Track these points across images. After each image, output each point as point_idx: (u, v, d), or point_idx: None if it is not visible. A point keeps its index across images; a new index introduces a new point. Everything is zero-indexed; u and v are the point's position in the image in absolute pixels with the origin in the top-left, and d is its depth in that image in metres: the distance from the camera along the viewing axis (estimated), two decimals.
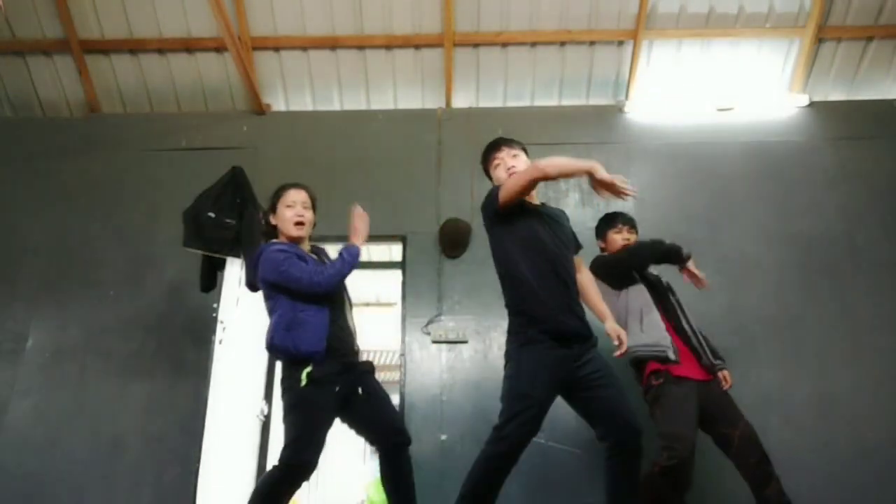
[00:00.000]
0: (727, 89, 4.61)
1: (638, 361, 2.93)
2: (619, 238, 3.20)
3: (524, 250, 2.55)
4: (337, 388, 2.48)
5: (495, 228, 2.65)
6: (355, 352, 2.67)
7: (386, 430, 2.54)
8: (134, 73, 4.72)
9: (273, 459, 4.24)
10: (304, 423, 2.45)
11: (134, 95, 4.78)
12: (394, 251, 4.40)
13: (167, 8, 4.49)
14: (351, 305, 2.78)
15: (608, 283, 3.07)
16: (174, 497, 3.62)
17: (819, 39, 4.50)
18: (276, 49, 4.63)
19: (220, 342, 3.41)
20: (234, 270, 3.50)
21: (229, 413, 3.51)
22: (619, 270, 3.08)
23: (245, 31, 4.49)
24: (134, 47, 4.62)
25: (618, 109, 4.62)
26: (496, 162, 2.77)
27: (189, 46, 4.62)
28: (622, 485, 2.41)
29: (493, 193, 2.64)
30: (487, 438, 2.40)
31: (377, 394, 2.60)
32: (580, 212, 4.30)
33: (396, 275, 4.37)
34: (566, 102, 4.75)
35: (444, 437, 3.75)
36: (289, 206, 2.74)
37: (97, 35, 4.59)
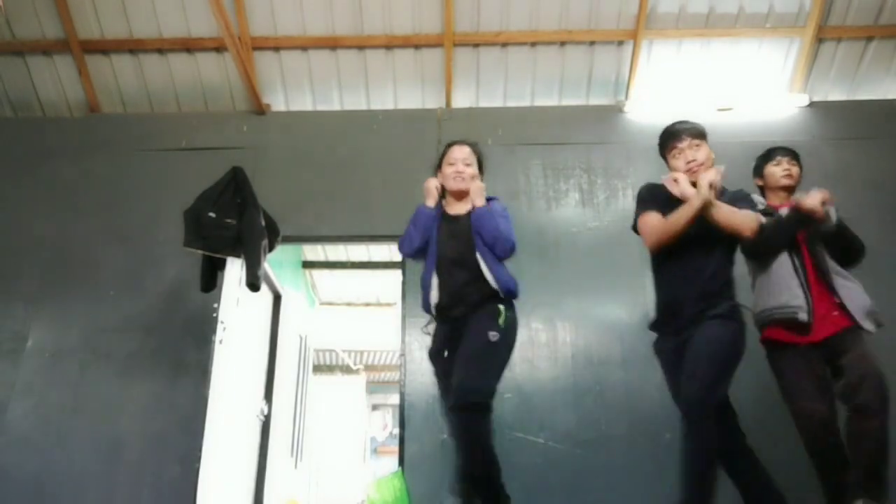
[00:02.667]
0: (727, 89, 4.61)
1: None
2: (779, 170, 2.95)
3: None
4: None
5: None
6: None
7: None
8: (134, 73, 4.72)
9: (273, 459, 4.27)
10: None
11: (134, 95, 4.78)
12: (394, 251, 4.40)
13: (167, 8, 4.49)
14: None
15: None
16: (174, 497, 3.61)
17: (819, 39, 4.50)
18: (276, 49, 4.63)
19: (220, 342, 3.41)
20: (234, 270, 3.50)
21: (229, 413, 3.51)
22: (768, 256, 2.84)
23: (245, 31, 4.49)
24: (134, 47, 4.62)
25: (618, 109, 4.62)
26: (674, 151, 2.68)
27: (189, 46, 4.62)
28: None
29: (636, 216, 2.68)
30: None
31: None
32: (580, 212, 4.30)
33: (396, 275, 4.37)
34: (566, 102, 4.75)
35: (444, 437, 3.75)
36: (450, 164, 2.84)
37: (97, 35, 4.59)
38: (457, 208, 2.82)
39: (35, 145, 4.60)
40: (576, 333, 3.96)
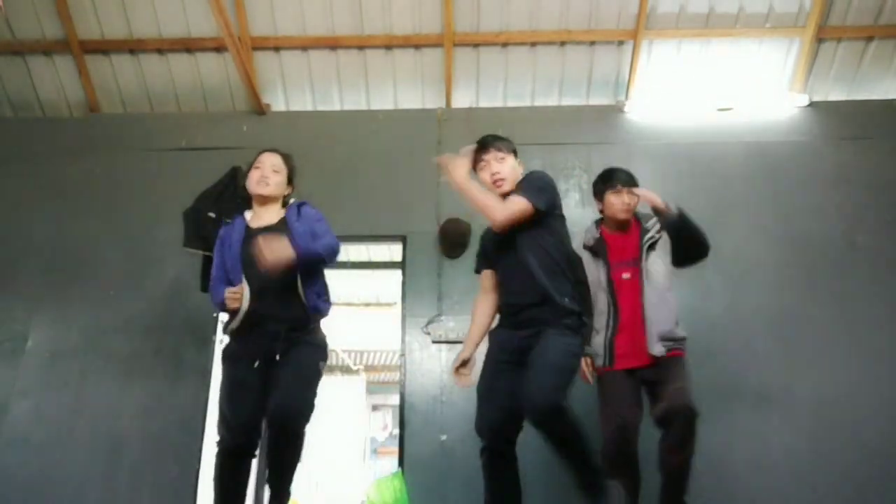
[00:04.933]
0: (727, 89, 4.61)
1: None
2: (619, 203, 2.91)
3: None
4: None
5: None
6: None
7: None
8: (134, 73, 4.72)
9: None
10: None
11: (134, 95, 4.78)
12: (394, 251, 4.41)
13: (167, 8, 4.49)
14: None
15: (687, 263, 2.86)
16: (174, 497, 3.62)
17: (819, 39, 4.50)
18: (276, 49, 4.63)
19: (221, 342, 3.41)
20: None
21: None
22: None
23: (245, 31, 4.49)
24: (134, 47, 4.62)
25: (618, 109, 4.62)
26: (482, 164, 2.62)
27: (189, 46, 4.62)
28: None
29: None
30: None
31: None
32: (580, 212, 4.29)
33: (396, 275, 4.37)
34: (566, 102, 4.75)
35: (444, 437, 3.76)
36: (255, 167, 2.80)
37: (97, 35, 4.59)
38: (263, 218, 2.71)
39: (35, 145, 4.60)
40: None
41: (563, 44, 4.58)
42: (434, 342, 3.99)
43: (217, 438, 2.50)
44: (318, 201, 4.36)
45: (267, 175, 2.72)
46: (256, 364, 2.48)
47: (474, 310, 2.68)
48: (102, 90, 4.75)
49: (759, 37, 4.52)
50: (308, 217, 2.72)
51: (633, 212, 2.95)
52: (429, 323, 4.04)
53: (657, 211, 2.77)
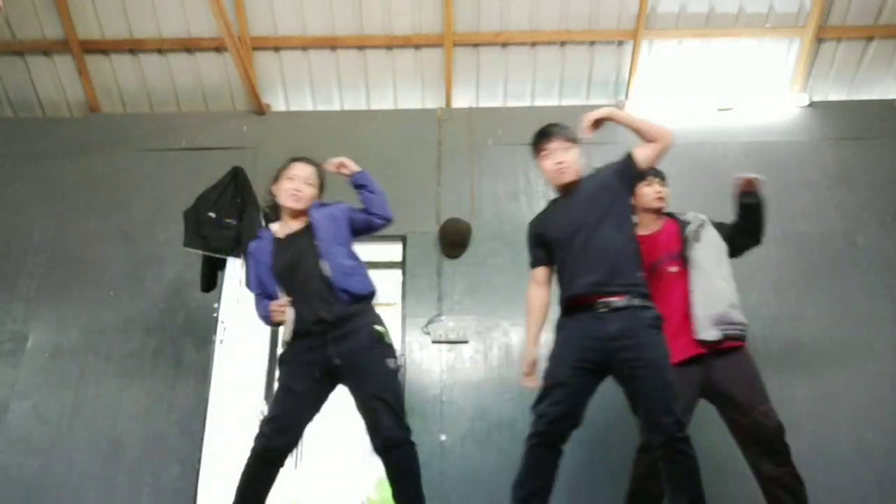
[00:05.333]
0: (727, 89, 4.61)
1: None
2: (651, 192, 2.88)
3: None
4: None
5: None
6: None
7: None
8: (134, 73, 4.72)
9: None
10: None
11: (134, 95, 4.78)
12: (394, 251, 4.40)
13: (167, 8, 4.49)
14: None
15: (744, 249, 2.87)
16: (174, 497, 3.62)
17: (819, 39, 4.50)
18: (276, 49, 4.63)
19: (221, 342, 3.41)
20: (235, 270, 3.50)
21: (229, 413, 3.51)
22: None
23: (245, 31, 4.49)
24: (134, 47, 4.62)
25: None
26: (544, 153, 2.60)
27: (189, 46, 4.62)
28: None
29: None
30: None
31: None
32: None
33: (396, 275, 4.37)
34: (566, 102, 4.75)
35: (443, 437, 3.76)
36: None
37: (97, 35, 4.59)
38: (290, 227, 2.65)
39: (35, 145, 4.60)
40: None
41: (563, 44, 4.58)
42: (434, 342, 3.99)
43: (253, 438, 2.46)
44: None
45: (300, 189, 2.63)
46: (317, 375, 2.44)
47: (531, 305, 2.61)
48: (102, 90, 4.75)
49: (759, 37, 4.52)
50: (328, 208, 2.67)
51: (665, 201, 2.93)
52: (429, 323, 4.04)
53: (748, 187, 2.74)
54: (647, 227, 2.89)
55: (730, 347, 2.65)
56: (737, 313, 2.70)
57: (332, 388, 2.52)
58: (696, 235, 2.82)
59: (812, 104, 4.55)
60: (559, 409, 2.38)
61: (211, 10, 3.87)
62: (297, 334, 2.47)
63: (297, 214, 2.64)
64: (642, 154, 2.52)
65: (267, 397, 4.25)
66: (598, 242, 2.42)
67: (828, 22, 4.47)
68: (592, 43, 4.58)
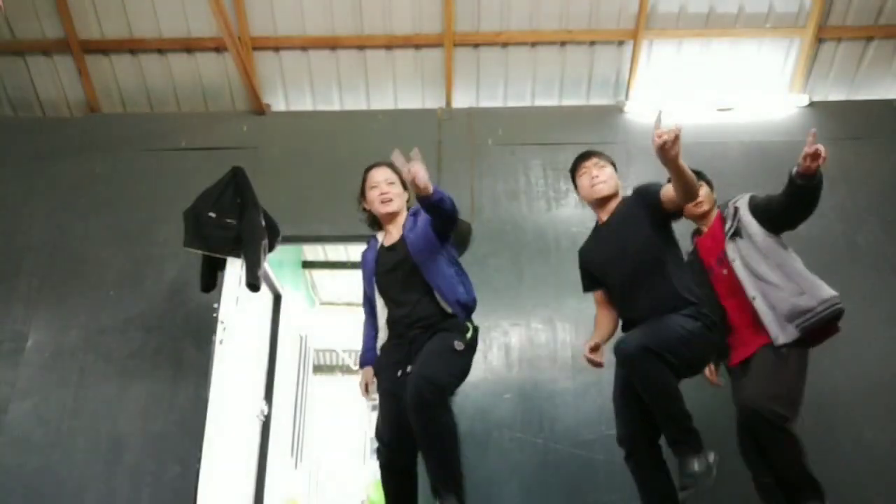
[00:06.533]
0: (727, 89, 4.61)
1: None
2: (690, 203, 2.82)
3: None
4: None
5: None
6: None
7: None
8: (134, 73, 4.72)
9: (273, 459, 4.26)
10: None
11: (134, 95, 4.78)
12: None
13: (167, 8, 4.49)
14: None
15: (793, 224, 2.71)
16: (174, 497, 3.62)
17: (819, 39, 4.50)
18: (276, 49, 4.63)
19: (220, 342, 3.41)
20: (235, 270, 3.50)
21: (229, 413, 3.51)
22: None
23: (245, 31, 4.49)
24: (134, 47, 4.62)
25: (618, 109, 4.62)
26: (582, 170, 2.77)
27: (189, 46, 4.62)
28: None
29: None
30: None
31: None
32: (580, 212, 4.29)
33: None
34: (566, 102, 4.75)
35: None
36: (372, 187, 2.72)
37: (97, 35, 4.59)
38: (392, 235, 2.69)
39: (35, 145, 4.60)
40: (576, 334, 3.96)
41: (563, 44, 4.59)
42: None
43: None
44: (319, 201, 4.41)
45: (385, 191, 2.69)
46: (399, 374, 2.44)
47: (595, 322, 2.77)
48: (102, 90, 4.75)
49: (759, 37, 4.52)
50: (419, 220, 2.64)
51: (709, 200, 2.89)
52: None
53: (809, 166, 2.52)
54: (701, 230, 2.91)
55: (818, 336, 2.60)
56: (806, 298, 2.56)
57: None
58: (735, 232, 2.74)
59: (812, 104, 4.55)
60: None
61: (211, 10, 3.87)
62: (388, 341, 2.58)
63: (393, 218, 2.69)
64: (669, 201, 2.49)
65: (267, 397, 4.25)
66: (630, 274, 2.54)
67: (828, 22, 4.47)
68: (592, 43, 4.59)
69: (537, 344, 3.96)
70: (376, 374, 2.64)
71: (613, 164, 2.79)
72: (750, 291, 2.64)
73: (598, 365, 2.57)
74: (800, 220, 2.71)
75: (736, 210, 2.79)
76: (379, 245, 2.72)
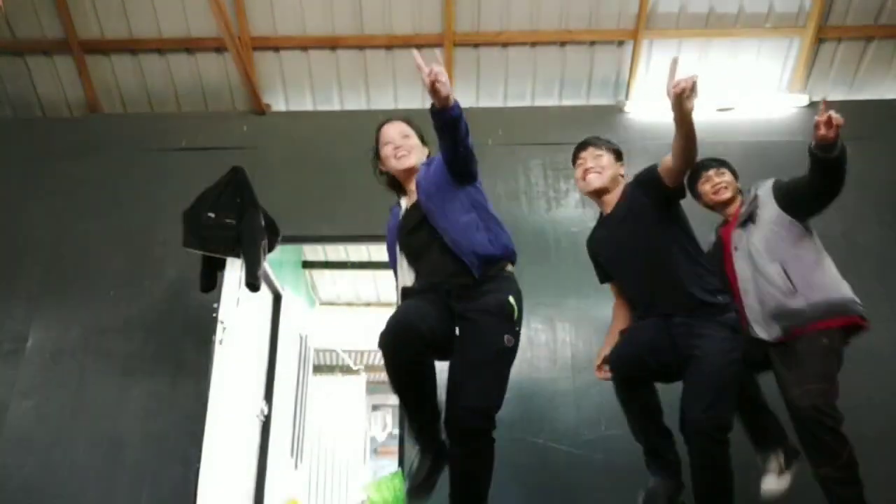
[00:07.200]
0: (727, 89, 4.61)
1: None
2: (708, 188, 2.77)
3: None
4: None
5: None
6: None
7: None
8: (134, 73, 4.72)
9: (273, 459, 4.27)
10: None
11: (134, 95, 4.78)
12: None
13: (167, 8, 4.49)
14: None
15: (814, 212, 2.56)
16: (174, 497, 3.61)
17: (819, 39, 4.50)
18: (276, 49, 4.63)
19: (220, 342, 3.41)
20: (234, 270, 3.50)
21: (229, 413, 3.51)
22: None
23: (245, 31, 4.49)
24: (134, 47, 4.62)
25: (618, 109, 4.62)
26: (579, 161, 2.64)
27: (189, 46, 4.62)
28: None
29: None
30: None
31: None
32: (580, 212, 4.30)
33: None
34: (566, 102, 4.75)
35: (443, 437, 3.75)
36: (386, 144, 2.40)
37: (97, 35, 4.59)
38: (413, 195, 2.36)
39: (35, 145, 4.60)
40: (576, 334, 3.96)
41: (563, 44, 4.59)
42: None
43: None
44: (318, 201, 4.41)
45: (400, 144, 2.35)
46: (443, 301, 2.12)
47: (613, 315, 2.73)
48: (102, 90, 4.75)
49: (759, 37, 4.52)
50: (432, 163, 2.34)
51: (728, 190, 2.76)
52: None
53: (826, 135, 2.35)
54: (727, 220, 2.79)
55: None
56: (798, 300, 2.43)
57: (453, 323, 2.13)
58: (749, 218, 2.63)
59: (812, 104, 4.55)
60: None
61: (211, 10, 3.87)
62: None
63: (412, 175, 2.34)
64: (667, 171, 2.40)
65: (267, 397, 4.26)
66: (640, 270, 2.45)
67: (828, 22, 4.47)
68: (592, 43, 4.59)
69: (537, 344, 3.96)
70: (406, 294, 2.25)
71: (616, 151, 2.65)
72: (742, 284, 2.56)
73: (607, 378, 2.53)
74: (825, 200, 2.51)
75: (756, 197, 2.66)
76: (402, 211, 2.39)
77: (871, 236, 4.15)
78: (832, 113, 2.29)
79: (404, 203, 2.40)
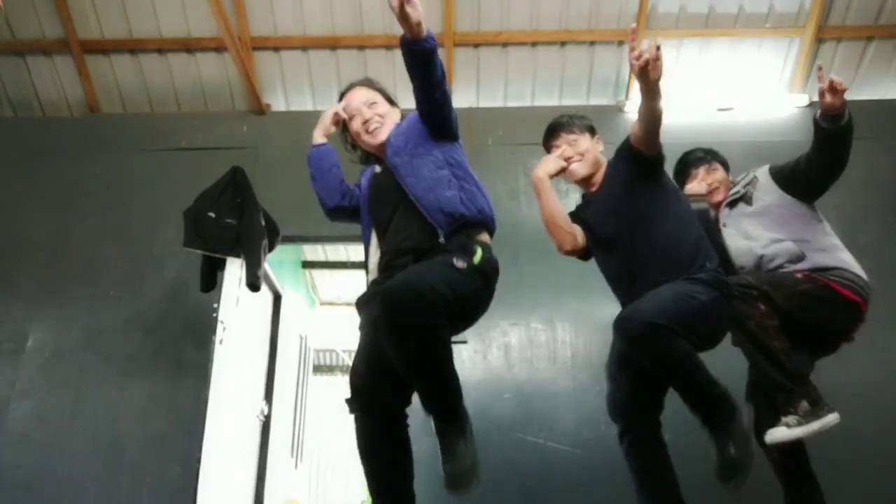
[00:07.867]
0: (727, 89, 4.61)
1: None
2: (698, 189, 2.65)
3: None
4: None
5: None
6: None
7: None
8: (134, 73, 4.72)
9: (273, 459, 4.27)
10: None
11: (134, 95, 4.78)
12: None
13: (167, 8, 4.49)
14: None
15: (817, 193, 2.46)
16: (174, 497, 3.61)
17: (819, 39, 4.50)
18: (276, 49, 4.63)
19: (220, 342, 3.41)
20: (234, 270, 3.50)
21: (229, 413, 3.51)
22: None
23: (245, 31, 4.49)
24: (134, 47, 4.62)
25: (618, 109, 4.62)
26: (553, 152, 2.46)
27: (189, 46, 4.62)
28: None
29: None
30: None
31: None
32: None
33: None
34: (566, 102, 4.75)
35: None
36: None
37: (97, 35, 4.59)
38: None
39: (35, 145, 4.60)
40: (576, 334, 3.96)
41: (563, 44, 4.59)
42: None
43: None
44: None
45: (368, 116, 2.15)
46: None
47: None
48: (102, 90, 4.75)
49: (759, 37, 4.52)
50: (404, 120, 2.17)
51: (725, 186, 2.64)
52: None
53: (832, 103, 2.13)
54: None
55: None
56: (804, 263, 2.33)
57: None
58: (741, 197, 2.53)
59: (812, 104, 4.55)
60: None
61: (211, 10, 3.87)
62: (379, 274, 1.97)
63: (383, 147, 2.13)
64: (635, 139, 2.22)
65: (267, 397, 4.26)
66: (630, 247, 2.27)
67: (828, 22, 4.47)
68: (592, 43, 4.59)
69: (537, 344, 3.96)
70: (358, 308, 2.10)
71: (590, 128, 2.46)
72: (738, 259, 2.45)
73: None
74: (830, 177, 2.43)
75: (754, 178, 2.55)
76: (372, 173, 2.19)
77: (871, 236, 4.15)
78: (833, 77, 2.09)
79: (379, 169, 2.17)
